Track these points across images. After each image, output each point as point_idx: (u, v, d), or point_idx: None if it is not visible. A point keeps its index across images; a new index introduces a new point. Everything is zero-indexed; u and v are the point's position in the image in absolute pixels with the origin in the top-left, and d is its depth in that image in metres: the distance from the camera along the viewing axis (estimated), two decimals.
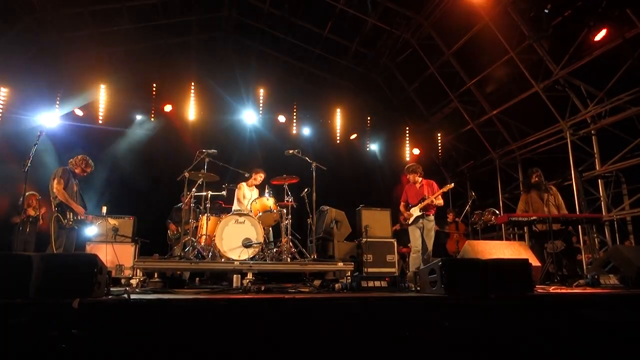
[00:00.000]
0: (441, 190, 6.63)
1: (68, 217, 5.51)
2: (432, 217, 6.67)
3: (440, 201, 6.69)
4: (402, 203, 7.01)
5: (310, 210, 6.61)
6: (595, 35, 7.64)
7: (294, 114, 11.44)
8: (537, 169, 6.98)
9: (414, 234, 6.66)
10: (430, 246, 6.56)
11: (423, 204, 6.61)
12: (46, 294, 2.84)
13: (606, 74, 8.05)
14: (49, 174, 5.80)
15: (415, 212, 6.66)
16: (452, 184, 6.72)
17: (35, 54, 8.97)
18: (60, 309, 2.62)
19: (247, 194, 7.07)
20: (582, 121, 8.84)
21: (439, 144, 12.47)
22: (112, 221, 6.36)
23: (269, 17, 10.80)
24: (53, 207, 5.56)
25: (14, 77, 8.70)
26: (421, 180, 6.91)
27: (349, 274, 5.61)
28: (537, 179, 6.85)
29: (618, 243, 8.43)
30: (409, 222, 6.74)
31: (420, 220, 6.63)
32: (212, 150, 6.36)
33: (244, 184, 7.13)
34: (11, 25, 8.35)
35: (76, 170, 5.83)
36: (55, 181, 5.53)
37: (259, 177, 7.26)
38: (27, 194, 6.95)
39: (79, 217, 5.66)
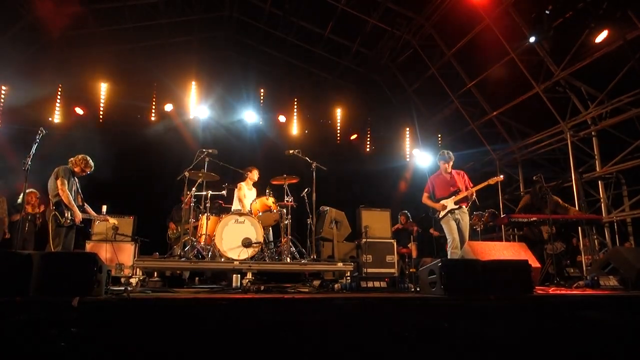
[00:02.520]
0: (486, 183, 6.23)
1: (66, 215, 5.47)
2: (466, 209, 6.23)
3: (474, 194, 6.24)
4: (425, 194, 6.52)
5: (310, 211, 6.61)
6: (596, 36, 7.64)
7: (295, 113, 11.43)
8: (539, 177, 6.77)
9: (450, 226, 6.16)
10: (467, 238, 6.15)
11: (459, 196, 6.16)
12: (46, 293, 2.84)
13: (607, 76, 8.05)
14: (48, 172, 5.78)
15: (450, 204, 6.20)
16: (502, 177, 6.34)
17: (36, 52, 8.97)
18: (60, 308, 2.62)
19: (248, 194, 7.07)
20: (582, 122, 8.84)
21: (440, 145, 12.46)
22: (112, 220, 6.33)
23: (270, 17, 10.80)
24: (51, 205, 5.54)
25: (15, 76, 8.70)
26: (451, 171, 6.47)
27: (349, 274, 5.61)
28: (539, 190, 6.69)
29: (618, 244, 8.43)
30: (440, 216, 6.27)
31: (456, 212, 6.17)
32: (212, 150, 6.36)
33: (242, 183, 7.13)
34: (13, 24, 8.35)
35: (75, 170, 5.80)
36: (59, 181, 5.49)
37: (255, 173, 7.24)
38: (27, 191, 6.96)
39: (78, 219, 5.61)
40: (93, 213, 5.95)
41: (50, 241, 5.41)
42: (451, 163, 6.40)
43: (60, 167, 5.67)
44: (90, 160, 5.92)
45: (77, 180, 5.86)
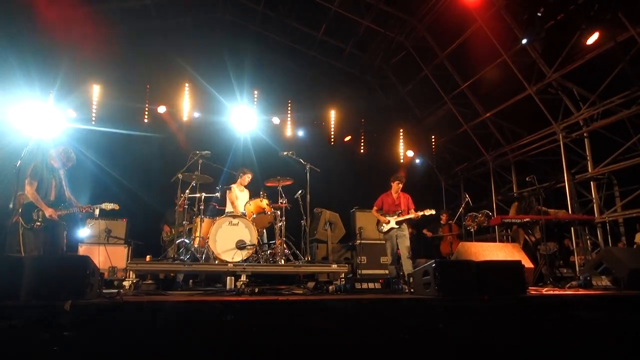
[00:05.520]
0: (422, 213, 6.82)
1: (34, 217, 5.09)
2: (405, 227, 6.91)
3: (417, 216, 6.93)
4: (375, 208, 7.23)
5: (304, 212, 6.61)
6: (588, 38, 7.70)
7: (289, 115, 11.42)
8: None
9: (390, 245, 6.89)
10: (407, 252, 6.74)
11: (403, 218, 6.83)
12: (38, 296, 2.82)
13: (598, 77, 8.10)
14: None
15: (392, 223, 6.86)
16: (434, 211, 6.94)
17: (28, 54, 8.90)
18: (52, 311, 2.60)
19: (240, 195, 7.04)
20: (574, 124, 8.90)
21: (433, 146, 12.50)
22: (110, 205, 5.88)
23: (263, 19, 10.80)
24: (18, 207, 5.20)
25: (7, 78, 8.62)
26: (399, 192, 7.15)
27: (343, 275, 5.61)
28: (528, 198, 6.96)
29: (610, 245, 8.49)
30: (384, 231, 6.94)
31: (395, 231, 6.84)
32: (206, 152, 6.33)
33: (234, 185, 7.11)
34: (5, 26, 8.28)
35: (55, 165, 5.41)
36: (26, 181, 5.15)
37: (247, 177, 7.21)
38: (18, 194, 6.86)
39: (52, 216, 5.14)
40: (79, 205, 5.45)
41: (21, 247, 5.01)
42: (401, 185, 7.17)
43: (31, 165, 5.28)
44: (73, 154, 5.55)
45: (60, 173, 5.46)
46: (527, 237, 6.84)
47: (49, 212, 5.13)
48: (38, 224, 5.10)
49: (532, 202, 6.98)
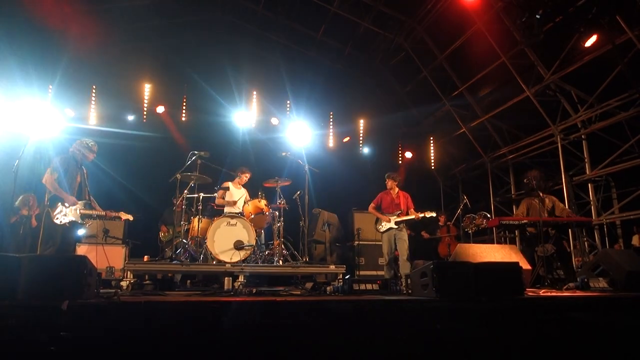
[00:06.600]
0: (422, 215, 6.76)
1: (62, 210, 4.93)
2: (404, 228, 6.83)
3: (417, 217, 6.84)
4: (373, 205, 7.10)
5: (302, 213, 6.61)
6: (586, 41, 7.72)
7: (287, 116, 11.41)
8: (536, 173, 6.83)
9: (387, 244, 6.80)
10: (406, 253, 6.68)
11: (403, 218, 6.75)
12: (35, 296, 2.81)
13: (596, 80, 8.13)
14: (37, 174, 5.65)
15: (391, 223, 6.78)
16: (434, 214, 6.93)
17: (26, 53, 8.88)
18: (49, 311, 2.59)
19: (236, 193, 7.02)
20: (572, 126, 8.92)
21: (432, 148, 12.51)
22: (125, 215, 5.82)
23: (262, 19, 10.80)
24: (46, 200, 5.04)
25: (4, 77, 8.60)
26: (397, 191, 7.04)
27: (341, 276, 5.61)
28: (534, 183, 6.71)
29: (607, 247, 8.50)
30: (382, 230, 6.85)
31: (393, 231, 6.77)
32: (204, 152, 6.33)
33: (230, 183, 7.09)
34: (4, 24, 8.26)
35: (79, 157, 5.29)
36: (48, 170, 5.04)
37: (245, 177, 7.19)
38: (24, 195, 6.85)
39: (76, 210, 5.01)
40: (100, 210, 5.33)
41: (40, 242, 4.94)
42: (395, 183, 7.06)
43: (57, 157, 5.21)
44: (92, 143, 5.41)
45: (84, 171, 5.36)
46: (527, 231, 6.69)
47: (70, 200, 4.99)
48: (63, 218, 4.96)
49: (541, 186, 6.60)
